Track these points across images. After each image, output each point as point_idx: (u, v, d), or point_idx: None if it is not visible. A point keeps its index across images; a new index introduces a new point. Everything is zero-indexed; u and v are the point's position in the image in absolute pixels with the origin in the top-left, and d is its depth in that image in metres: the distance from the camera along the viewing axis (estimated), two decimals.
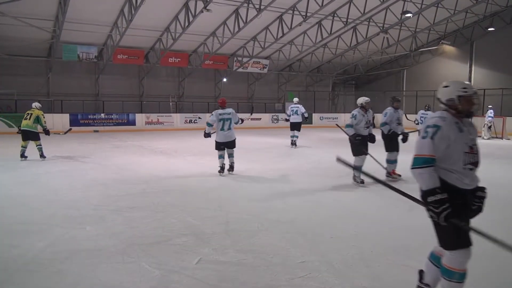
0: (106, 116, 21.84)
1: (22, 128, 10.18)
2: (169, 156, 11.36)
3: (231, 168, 8.45)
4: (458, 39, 25.34)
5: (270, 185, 7.42)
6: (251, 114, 10.38)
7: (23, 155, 10.19)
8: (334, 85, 32.69)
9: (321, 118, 27.37)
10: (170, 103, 24.99)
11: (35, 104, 10.56)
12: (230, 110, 8.40)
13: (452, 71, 26.16)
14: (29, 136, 10.18)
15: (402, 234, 4.55)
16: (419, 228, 4.79)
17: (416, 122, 13.28)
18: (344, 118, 27.51)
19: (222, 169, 8.32)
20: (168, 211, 5.49)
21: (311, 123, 25.81)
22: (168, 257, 3.85)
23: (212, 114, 8.42)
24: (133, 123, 22.36)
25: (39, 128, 10.28)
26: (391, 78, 30.27)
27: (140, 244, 4.19)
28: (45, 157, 10.30)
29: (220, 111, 8.36)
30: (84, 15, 17.75)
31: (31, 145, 10.33)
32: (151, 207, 5.68)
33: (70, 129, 12.14)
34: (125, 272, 3.52)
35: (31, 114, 10.20)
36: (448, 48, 26.11)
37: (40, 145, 10.34)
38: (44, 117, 10.30)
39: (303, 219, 5.15)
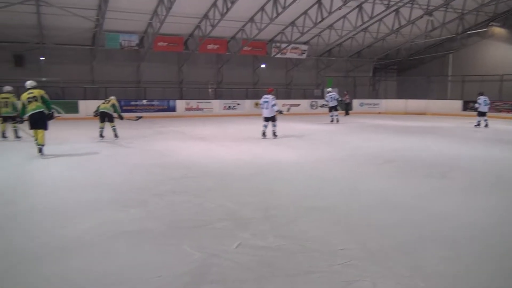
0: (148, 103, 22.39)
1: (100, 110, 11.90)
2: (208, 142, 11.53)
3: (274, 134, 12.15)
4: (509, 21, 23.90)
5: (308, 172, 7.39)
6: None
7: (101, 135, 11.89)
8: (375, 70, 31.81)
9: (361, 105, 26.77)
10: (209, 90, 25.24)
11: (113, 97, 12.54)
12: (268, 96, 12.04)
13: (503, 55, 24.80)
14: (106, 117, 11.86)
15: (440, 224, 4.41)
16: (455, 216, 4.64)
17: (477, 106, 15.77)
18: (386, 104, 26.79)
19: (263, 133, 12.01)
20: (208, 195, 5.59)
21: (351, 109, 25.29)
22: (209, 240, 3.94)
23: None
24: (173, 109, 22.82)
25: (115, 114, 12.04)
26: (436, 63, 29.04)
27: (181, 228, 4.31)
28: (118, 136, 11.90)
29: (264, 96, 12.13)
30: (125, 4, 18.15)
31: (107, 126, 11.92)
32: (192, 192, 5.81)
33: (141, 117, 14.34)
34: (168, 253, 3.64)
35: (110, 100, 12.13)
36: (498, 30, 24.70)
37: (115, 126, 12.03)
38: (118, 106, 12.35)
39: (341, 206, 5.10)
